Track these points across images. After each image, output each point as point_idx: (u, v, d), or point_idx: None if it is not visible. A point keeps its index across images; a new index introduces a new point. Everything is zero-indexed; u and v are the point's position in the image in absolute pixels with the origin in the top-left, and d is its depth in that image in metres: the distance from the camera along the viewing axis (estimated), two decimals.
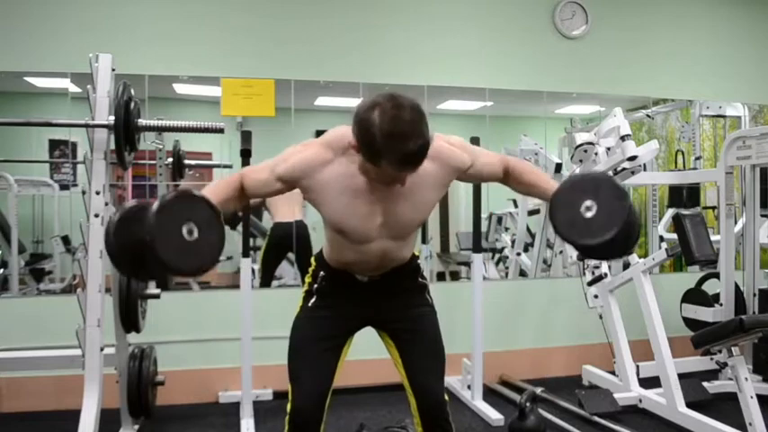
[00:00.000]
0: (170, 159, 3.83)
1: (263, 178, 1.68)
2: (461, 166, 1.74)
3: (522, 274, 4.45)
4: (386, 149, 1.47)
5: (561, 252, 4.18)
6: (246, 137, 3.11)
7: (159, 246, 1.41)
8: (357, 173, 1.63)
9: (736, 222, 3.62)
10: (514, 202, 4.66)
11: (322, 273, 1.88)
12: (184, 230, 1.46)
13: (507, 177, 1.84)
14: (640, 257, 3.37)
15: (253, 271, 3.45)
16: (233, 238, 4.32)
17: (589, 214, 1.61)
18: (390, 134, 1.46)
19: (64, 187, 3.72)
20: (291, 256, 4.09)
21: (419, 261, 1.97)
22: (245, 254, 3.17)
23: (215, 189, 1.65)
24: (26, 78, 3.53)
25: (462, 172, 1.76)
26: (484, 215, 3.78)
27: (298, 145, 1.70)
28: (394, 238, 1.75)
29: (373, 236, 1.72)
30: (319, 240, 1.94)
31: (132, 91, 2.45)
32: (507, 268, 4.67)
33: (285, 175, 1.65)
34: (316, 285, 1.88)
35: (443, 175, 1.72)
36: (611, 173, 3.47)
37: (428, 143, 1.51)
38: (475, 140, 3.43)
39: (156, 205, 1.44)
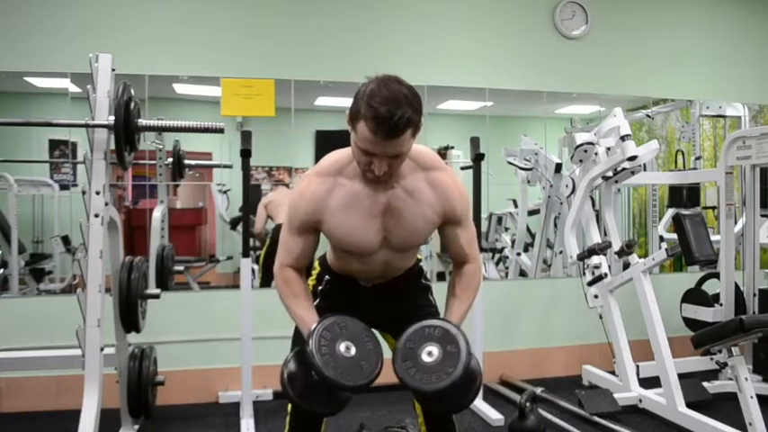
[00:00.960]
0: (170, 159, 3.83)
1: (297, 244, 1.71)
2: (450, 213, 1.71)
3: (522, 274, 4.45)
4: (364, 107, 1.49)
5: (561, 252, 4.19)
6: (246, 137, 3.11)
7: (330, 374, 1.54)
8: (359, 188, 1.65)
9: (736, 222, 3.62)
10: (514, 202, 4.67)
11: (327, 276, 1.90)
12: (342, 348, 1.60)
13: (456, 268, 1.81)
14: (640, 257, 3.36)
15: (253, 271, 3.45)
16: (233, 238, 4.33)
17: (429, 359, 1.59)
18: (375, 94, 1.49)
19: (64, 187, 3.72)
20: None
21: (422, 263, 1.98)
22: (245, 254, 3.17)
23: (299, 304, 1.73)
24: (26, 78, 3.53)
25: (446, 219, 1.72)
26: (484, 215, 3.78)
27: (295, 193, 1.73)
28: (396, 250, 1.76)
29: (375, 248, 1.73)
30: (320, 242, 1.94)
31: (132, 91, 2.45)
32: (507, 268, 4.67)
33: (305, 224, 1.69)
34: (320, 287, 1.89)
35: (439, 213, 1.70)
36: (610, 173, 3.48)
37: (409, 120, 1.49)
38: (475, 140, 3.44)
39: (311, 343, 1.57)
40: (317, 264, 1.95)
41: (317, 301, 1.88)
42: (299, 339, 1.84)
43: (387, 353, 1.91)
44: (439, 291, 1.96)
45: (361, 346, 1.61)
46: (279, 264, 1.74)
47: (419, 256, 1.96)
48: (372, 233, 1.69)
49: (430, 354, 1.59)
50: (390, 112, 1.46)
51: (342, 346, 1.59)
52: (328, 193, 1.66)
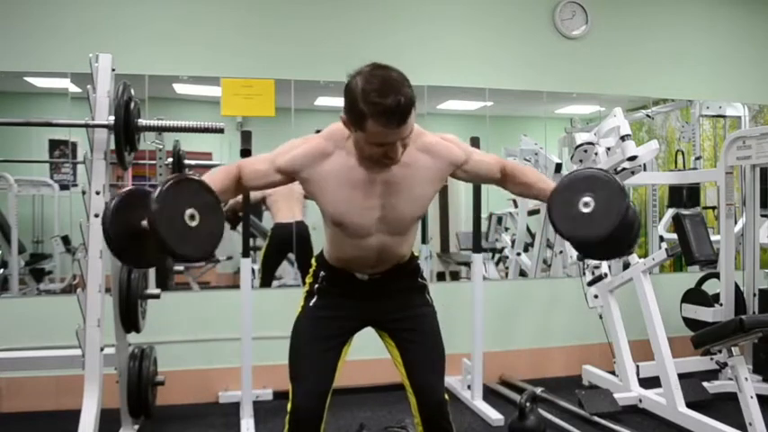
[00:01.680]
0: (170, 159, 3.83)
1: (263, 169, 1.69)
2: (455, 160, 1.76)
3: (522, 274, 4.45)
4: (368, 107, 1.49)
5: (561, 252, 4.18)
6: (246, 137, 3.11)
7: (162, 230, 1.40)
8: (356, 165, 1.65)
9: (736, 222, 3.62)
10: (514, 202, 4.66)
11: (323, 273, 1.89)
12: (186, 216, 1.45)
13: (505, 177, 1.85)
14: (640, 257, 3.36)
15: (253, 271, 3.45)
16: (233, 239, 4.32)
17: (587, 210, 1.61)
18: (371, 89, 1.49)
19: (64, 187, 3.72)
20: (292, 256, 4.09)
21: (419, 261, 1.97)
22: (245, 254, 3.17)
23: (213, 177, 1.65)
24: (26, 78, 3.53)
25: (457, 167, 1.77)
26: (484, 215, 3.78)
27: (298, 138, 1.72)
28: (392, 233, 1.76)
29: (371, 229, 1.72)
30: (319, 241, 1.94)
31: (132, 91, 2.45)
32: (507, 268, 4.67)
33: (285, 166, 1.67)
34: (317, 285, 1.89)
35: (438, 169, 1.73)
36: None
37: (411, 99, 1.51)
38: (475, 140, 3.43)
39: (157, 190, 1.42)
40: (313, 261, 1.95)
41: (315, 299, 1.87)
42: (298, 336, 1.84)
43: (386, 353, 1.93)
44: (439, 291, 1.97)
45: (205, 222, 1.49)
46: (237, 163, 1.72)
47: (416, 254, 1.96)
48: (368, 210, 1.69)
49: (586, 204, 1.62)
50: (396, 100, 1.48)
51: (188, 211, 1.46)
52: (323, 156, 1.66)
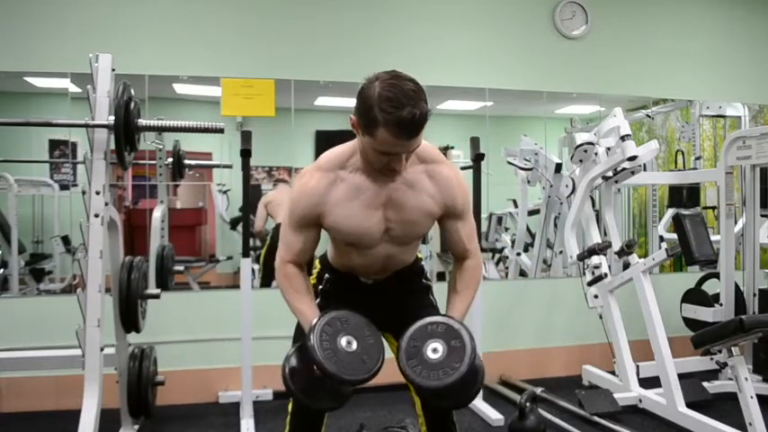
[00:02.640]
0: (170, 159, 3.83)
1: (298, 239, 1.72)
2: (451, 204, 1.72)
3: (522, 274, 4.45)
4: (382, 115, 1.48)
5: (561, 252, 4.18)
6: (246, 137, 3.11)
7: (331, 368, 1.54)
8: (361, 182, 1.65)
9: (736, 222, 3.62)
10: (514, 202, 4.67)
11: (327, 275, 1.90)
12: (344, 344, 1.60)
13: (457, 262, 1.82)
14: (640, 257, 3.36)
15: (253, 271, 3.45)
16: (233, 239, 4.32)
17: (434, 357, 1.59)
18: (387, 99, 1.48)
19: (64, 187, 3.72)
20: None
21: (422, 263, 1.98)
22: (245, 254, 3.17)
23: (300, 288, 1.73)
24: (26, 78, 3.53)
25: (445, 211, 1.73)
26: (484, 215, 3.78)
27: (295, 188, 1.73)
28: (397, 243, 1.76)
29: (377, 242, 1.73)
30: (320, 240, 1.94)
31: (132, 91, 2.45)
32: (507, 268, 4.67)
33: (305, 219, 1.69)
34: (320, 287, 1.89)
35: (437, 202, 1.71)
36: (610, 173, 3.48)
37: (425, 114, 1.51)
38: (475, 140, 3.43)
39: (311, 338, 1.57)
40: (317, 263, 1.95)
41: (318, 300, 1.87)
42: (300, 336, 1.84)
43: (388, 352, 1.93)
44: (439, 291, 1.96)
45: (363, 341, 1.62)
46: (280, 260, 1.75)
47: (420, 255, 1.96)
48: (374, 224, 1.69)
49: (435, 350, 1.59)
50: (411, 114, 1.47)
51: (343, 341, 1.59)
52: (329, 186, 1.66)
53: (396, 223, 1.70)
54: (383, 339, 1.92)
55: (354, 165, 1.66)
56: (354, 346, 1.60)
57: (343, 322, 1.63)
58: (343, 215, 1.67)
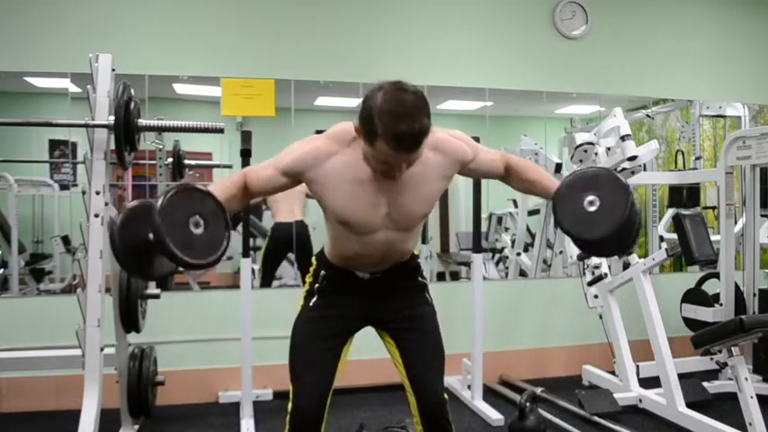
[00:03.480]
0: (170, 159, 3.83)
1: (268, 174, 1.69)
2: (464, 158, 1.76)
3: (522, 274, 4.45)
4: (381, 127, 1.48)
5: (561, 252, 4.18)
6: (246, 137, 3.11)
7: (167, 240, 1.41)
8: (362, 163, 1.64)
9: (736, 222, 3.62)
10: (514, 202, 4.67)
11: (323, 272, 1.89)
12: (191, 224, 1.46)
13: (509, 174, 1.85)
14: (640, 257, 3.36)
15: (253, 271, 3.45)
16: (233, 239, 4.30)
17: (592, 209, 1.63)
18: (388, 112, 1.48)
19: (64, 187, 3.72)
20: (291, 256, 4.09)
21: (419, 260, 1.97)
22: (245, 254, 3.17)
23: (220, 187, 1.66)
24: (26, 78, 3.53)
25: (465, 164, 1.77)
26: (484, 215, 3.78)
27: (300, 141, 1.72)
28: (399, 229, 1.75)
29: (378, 226, 1.72)
30: (320, 240, 1.94)
31: (132, 91, 2.45)
32: (507, 268, 4.67)
33: (290, 167, 1.67)
34: (317, 285, 1.88)
35: (446, 167, 1.73)
36: None
37: (425, 129, 1.51)
38: (475, 140, 3.42)
39: (161, 199, 1.44)
40: (313, 260, 1.95)
41: (315, 299, 1.87)
42: (298, 336, 1.84)
43: (384, 353, 1.93)
44: (439, 291, 1.97)
45: (211, 228, 1.50)
46: (243, 170, 1.73)
47: (416, 253, 1.96)
48: (374, 207, 1.68)
49: (591, 203, 1.63)
50: (410, 128, 1.47)
51: (192, 219, 1.48)
52: (327, 155, 1.65)
53: (399, 206, 1.70)
54: (380, 339, 1.92)
55: (357, 146, 1.64)
56: (201, 229, 1.48)
57: (201, 201, 1.51)
58: (342, 194, 1.66)
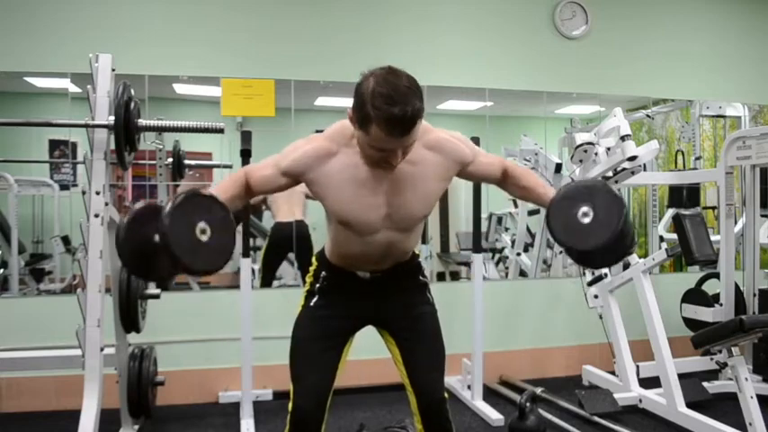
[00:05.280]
0: (170, 159, 3.83)
1: (268, 174, 1.69)
2: (463, 160, 1.75)
3: (522, 274, 4.45)
4: (374, 111, 1.48)
5: (561, 252, 4.18)
6: (246, 137, 3.11)
7: (173, 245, 1.42)
8: (361, 163, 1.64)
9: (736, 222, 3.62)
10: (514, 202, 4.66)
11: (324, 272, 1.89)
12: (197, 230, 1.47)
13: (506, 179, 1.85)
14: (640, 257, 3.36)
15: (253, 271, 3.45)
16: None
17: (586, 220, 1.63)
18: (380, 96, 1.48)
19: (64, 187, 3.72)
20: (292, 256, 4.09)
21: (420, 260, 1.97)
22: (245, 254, 3.17)
23: (222, 187, 1.67)
24: (26, 78, 3.53)
25: (464, 166, 1.77)
26: (484, 215, 3.78)
27: (301, 140, 1.71)
28: (399, 229, 1.75)
29: (378, 227, 1.72)
30: (320, 240, 1.94)
31: (132, 91, 2.45)
32: (507, 268, 4.67)
33: (290, 168, 1.67)
34: (317, 285, 1.88)
35: (446, 167, 1.73)
36: (610, 173, 3.48)
37: (418, 112, 1.50)
38: (475, 140, 3.41)
39: (169, 205, 1.44)
40: (314, 260, 1.95)
41: (316, 299, 1.87)
42: (299, 336, 1.84)
43: (384, 352, 1.93)
44: (439, 291, 1.97)
45: (218, 235, 1.51)
46: (242, 169, 1.73)
47: (417, 252, 1.96)
48: (374, 208, 1.68)
49: (585, 214, 1.64)
50: (402, 111, 1.47)
51: (199, 225, 1.48)
52: (327, 156, 1.65)
53: (399, 206, 1.69)
54: (381, 338, 1.92)
55: (356, 135, 1.63)
56: (207, 236, 1.49)
57: (209, 209, 1.51)
58: (342, 194, 1.66)
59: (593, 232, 1.62)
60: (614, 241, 1.62)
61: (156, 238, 1.46)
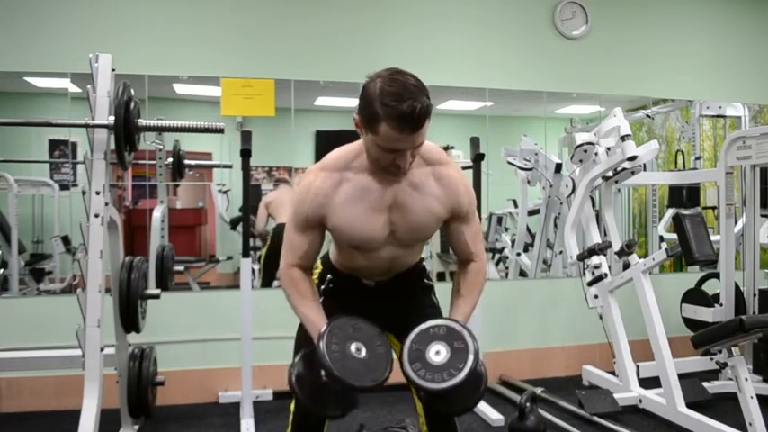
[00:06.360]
0: (170, 159, 3.83)
1: (300, 241, 1.70)
2: (458, 207, 1.72)
3: (522, 274, 4.45)
4: (383, 109, 1.48)
5: (561, 252, 4.18)
6: (246, 137, 3.11)
7: (339, 374, 1.51)
8: (367, 182, 1.65)
9: (736, 222, 3.62)
10: (514, 202, 4.67)
11: (329, 276, 1.89)
12: (353, 351, 1.57)
13: (462, 267, 1.81)
14: (640, 257, 3.36)
15: (253, 271, 3.45)
16: (233, 239, 4.32)
17: (437, 358, 1.59)
18: (389, 93, 1.48)
19: (64, 187, 3.72)
20: None
21: (424, 264, 1.98)
22: (245, 254, 3.17)
23: (306, 306, 1.70)
24: (26, 78, 3.53)
25: (453, 214, 1.73)
26: (484, 215, 3.78)
27: (299, 188, 1.71)
28: (402, 245, 1.75)
29: (382, 244, 1.72)
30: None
31: (132, 91, 2.45)
32: (507, 268, 4.67)
33: (311, 219, 1.67)
34: (323, 287, 1.89)
35: (442, 202, 1.70)
36: (610, 173, 3.49)
37: (427, 108, 1.50)
38: (475, 140, 3.43)
39: (319, 344, 1.55)
40: (319, 263, 1.95)
41: (321, 300, 1.87)
42: (303, 341, 1.84)
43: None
44: (440, 291, 1.97)
45: (372, 349, 1.60)
46: (284, 263, 1.73)
47: (422, 255, 1.96)
48: (378, 227, 1.68)
49: (438, 353, 1.59)
50: (411, 107, 1.46)
51: (353, 347, 1.57)
52: (334, 187, 1.65)
53: (401, 226, 1.69)
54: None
55: (360, 166, 1.65)
56: (364, 353, 1.58)
57: (354, 328, 1.62)
58: (348, 218, 1.66)
59: (446, 373, 1.56)
60: (466, 384, 1.56)
61: (323, 374, 1.55)
